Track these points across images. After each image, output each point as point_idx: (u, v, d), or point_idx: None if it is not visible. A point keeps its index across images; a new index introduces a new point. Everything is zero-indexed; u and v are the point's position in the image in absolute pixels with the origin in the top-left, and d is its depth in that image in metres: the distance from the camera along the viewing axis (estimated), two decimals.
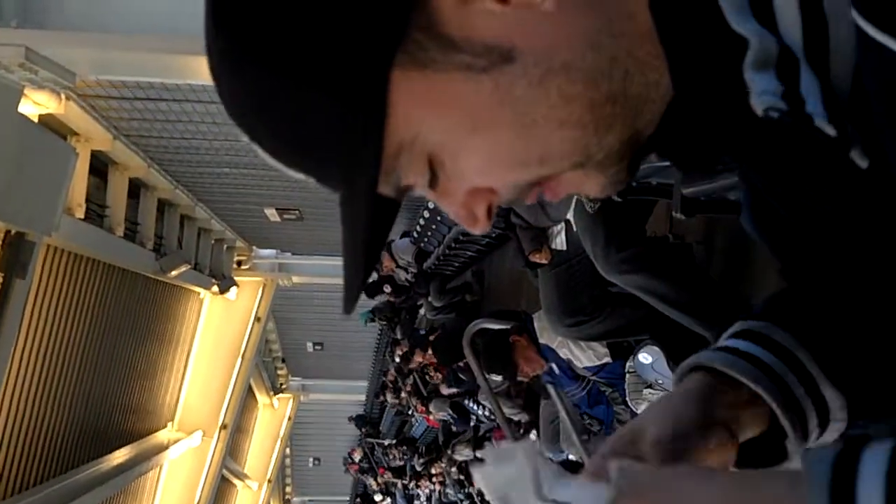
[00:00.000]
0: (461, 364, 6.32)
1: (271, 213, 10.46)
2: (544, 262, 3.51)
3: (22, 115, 5.21)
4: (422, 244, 8.39)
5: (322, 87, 0.56)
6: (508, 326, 4.25)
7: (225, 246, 12.53)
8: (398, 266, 9.14)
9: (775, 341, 0.71)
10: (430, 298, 8.59)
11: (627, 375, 3.44)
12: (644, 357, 3.19)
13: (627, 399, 3.55)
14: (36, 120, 5.69)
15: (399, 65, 0.56)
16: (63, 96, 5.73)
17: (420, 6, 0.55)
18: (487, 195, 0.65)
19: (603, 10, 0.58)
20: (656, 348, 3.12)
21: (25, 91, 5.04)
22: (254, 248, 13.55)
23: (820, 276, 0.76)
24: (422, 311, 10.02)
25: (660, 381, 3.21)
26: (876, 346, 0.71)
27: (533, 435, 5.72)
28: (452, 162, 0.62)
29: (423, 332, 9.41)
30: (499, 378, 4.59)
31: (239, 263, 13.42)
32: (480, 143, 0.60)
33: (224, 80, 0.61)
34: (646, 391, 3.41)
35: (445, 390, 8.35)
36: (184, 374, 12.62)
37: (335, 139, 0.58)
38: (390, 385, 12.31)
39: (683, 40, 0.57)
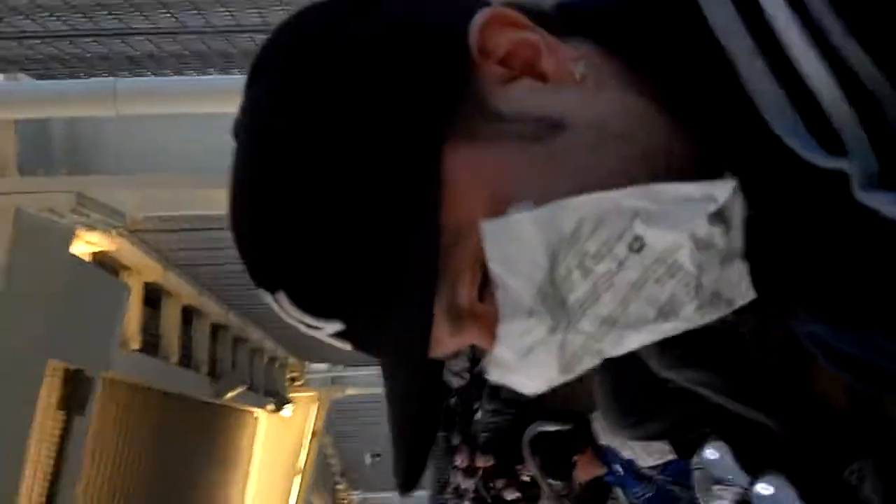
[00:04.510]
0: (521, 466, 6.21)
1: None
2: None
3: (74, 255, 5.36)
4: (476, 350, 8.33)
5: (370, 166, 0.53)
6: (567, 427, 4.19)
7: (278, 364, 12.57)
8: (452, 373, 9.08)
9: None
10: (483, 402, 8.49)
11: (694, 472, 3.35)
12: (710, 453, 3.11)
13: (697, 496, 3.45)
14: (89, 258, 5.85)
15: (450, 139, 0.54)
16: (114, 234, 5.90)
17: (467, 85, 0.55)
18: None
19: (648, 100, 0.56)
20: (721, 443, 3.04)
21: (77, 232, 5.19)
22: (306, 363, 13.58)
23: None
24: (478, 415, 9.89)
25: (729, 477, 3.12)
26: None
27: None
28: None
29: (482, 437, 9.27)
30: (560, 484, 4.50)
31: (293, 380, 13.44)
32: None
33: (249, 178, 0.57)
34: (715, 487, 3.31)
35: (509, 496, 8.17)
36: (244, 495, 12.52)
37: (384, 230, 0.53)
38: (452, 494, 12.07)
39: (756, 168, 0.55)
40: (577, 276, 0.54)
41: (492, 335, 0.57)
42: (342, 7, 0.58)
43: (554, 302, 0.55)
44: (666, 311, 0.56)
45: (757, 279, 0.59)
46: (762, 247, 0.58)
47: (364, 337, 0.59)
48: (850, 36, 0.49)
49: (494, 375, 0.59)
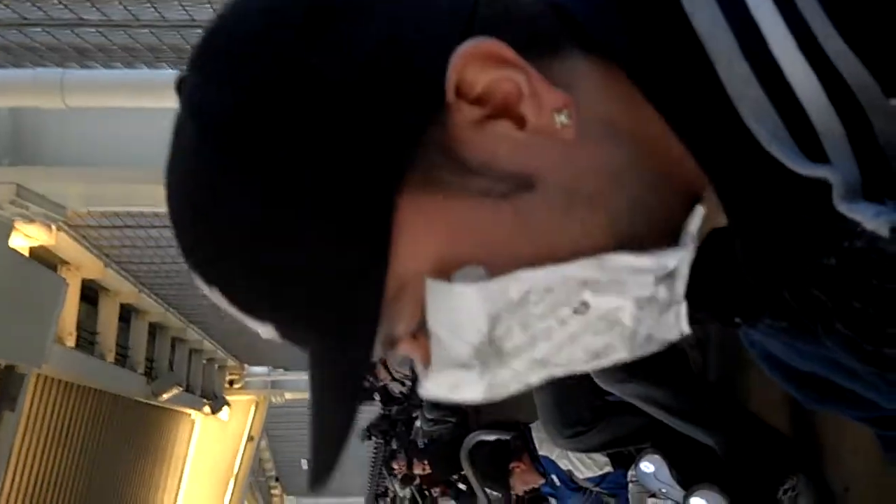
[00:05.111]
0: (459, 475, 6.23)
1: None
2: None
3: (12, 249, 5.24)
4: None
5: (318, 210, 0.50)
6: (507, 437, 4.21)
7: (216, 365, 12.42)
8: (394, 379, 9.07)
9: None
10: (424, 411, 8.50)
11: (630, 485, 3.39)
12: (646, 466, 3.15)
13: None
14: (27, 252, 5.73)
15: (408, 187, 0.50)
16: (54, 228, 5.78)
17: (435, 126, 0.51)
18: None
19: (629, 145, 0.54)
20: (658, 457, 3.08)
21: (16, 225, 5.08)
22: (245, 365, 13.44)
23: None
24: (417, 423, 9.90)
25: (663, 490, 3.16)
26: None
27: None
28: None
29: (421, 443, 9.28)
30: (498, 494, 4.53)
31: (231, 382, 13.29)
32: None
33: (200, 209, 0.53)
34: (650, 501, 3.35)
35: None
36: (176, 498, 12.33)
37: (328, 274, 0.51)
38: (388, 502, 12.03)
39: (737, 179, 0.54)
40: (517, 331, 0.54)
41: (424, 358, 0.57)
42: (298, 18, 0.52)
43: (489, 355, 0.55)
44: (598, 355, 0.56)
45: (728, 287, 0.60)
46: (737, 254, 0.57)
47: (297, 343, 0.57)
48: (842, 40, 0.48)
49: (424, 392, 0.60)
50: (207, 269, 0.55)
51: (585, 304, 0.53)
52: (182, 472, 12.42)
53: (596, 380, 2.96)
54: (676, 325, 0.57)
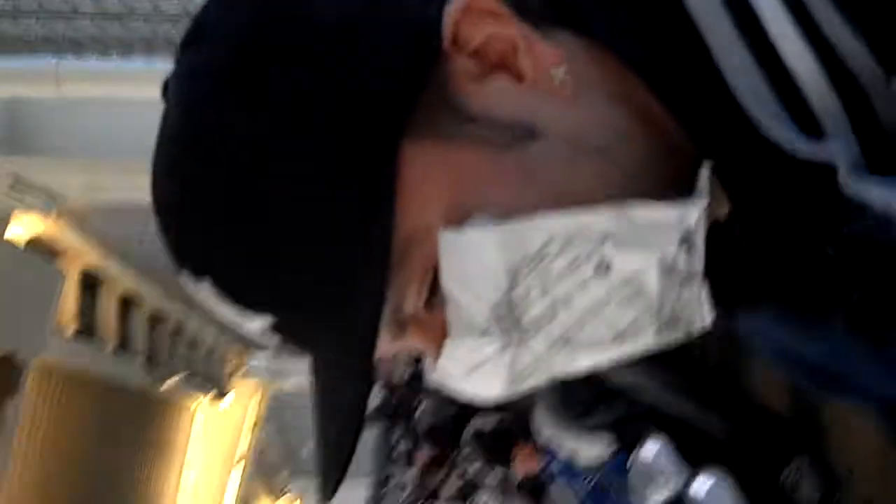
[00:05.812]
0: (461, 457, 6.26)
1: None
2: None
3: (8, 241, 5.25)
4: None
5: (316, 162, 0.49)
6: (509, 421, 4.24)
7: (218, 353, 12.42)
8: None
9: None
10: (426, 396, 8.52)
11: (633, 467, 3.40)
12: (648, 449, 3.15)
13: (634, 492, 3.50)
14: (24, 242, 5.73)
15: (411, 135, 0.49)
16: (52, 218, 5.78)
17: (435, 75, 0.50)
18: None
19: (630, 115, 0.53)
20: (660, 440, 3.08)
21: (13, 215, 5.07)
22: (247, 353, 13.44)
23: None
24: (420, 409, 9.92)
25: (666, 472, 3.16)
26: None
27: None
28: None
29: (424, 426, 9.31)
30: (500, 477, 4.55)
31: (233, 370, 13.30)
32: None
33: (186, 176, 0.52)
34: (652, 483, 3.36)
35: (448, 488, 8.20)
36: (178, 487, 12.36)
37: (330, 235, 0.49)
38: (392, 488, 12.08)
39: (737, 164, 0.53)
40: (536, 295, 0.51)
41: (437, 344, 0.54)
42: None
43: (508, 321, 0.52)
44: (624, 334, 0.53)
45: (730, 272, 0.58)
46: (738, 240, 0.56)
47: (297, 335, 0.55)
48: (842, 21, 0.47)
49: (436, 381, 0.57)
50: (197, 253, 0.53)
51: (607, 263, 0.51)
52: (185, 460, 12.43)
53: None
54: (700, 306, 0.55)
